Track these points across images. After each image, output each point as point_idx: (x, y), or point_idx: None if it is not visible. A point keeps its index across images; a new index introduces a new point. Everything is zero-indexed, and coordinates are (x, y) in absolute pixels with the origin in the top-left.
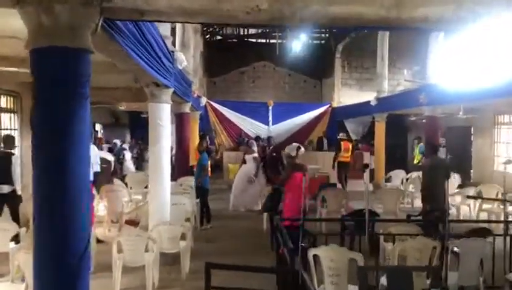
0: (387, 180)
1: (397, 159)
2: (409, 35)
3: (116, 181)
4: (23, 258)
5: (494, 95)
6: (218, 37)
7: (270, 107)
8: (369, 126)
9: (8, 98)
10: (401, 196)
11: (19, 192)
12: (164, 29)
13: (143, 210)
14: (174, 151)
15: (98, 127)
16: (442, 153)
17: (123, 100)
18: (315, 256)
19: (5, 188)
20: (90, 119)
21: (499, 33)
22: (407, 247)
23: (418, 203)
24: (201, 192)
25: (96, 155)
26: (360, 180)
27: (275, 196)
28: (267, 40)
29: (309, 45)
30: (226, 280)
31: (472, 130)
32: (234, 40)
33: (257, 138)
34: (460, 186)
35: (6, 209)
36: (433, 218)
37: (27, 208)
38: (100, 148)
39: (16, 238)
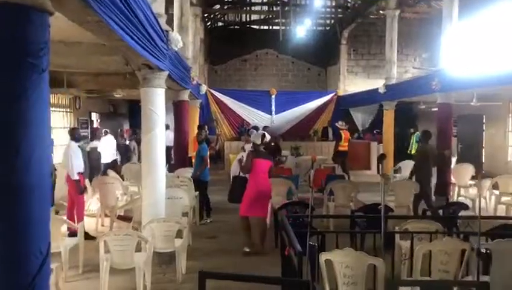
0: (396, 171)
1: (406, 148)
2: (418, 21)
3: (111, 173)
4: None
5: (511, 80)
6: (220, 24)
7: (273, 96)
8: (375, 115)
9: None
10: (414, 189)
11: None
12: (157, 6)
13: (137, 204)
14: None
15: (94, 116)
16: (441, 143)
17: (118, 87)
18: (327, 261)
19: None
20: (48, 97)
21: None
22: (433, 249)
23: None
24: (201, 184)
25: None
26: (362, 171)
27: (234, 185)
28: (270, 27)
29: (313, 32)
30: (225, 282)
31: (484, 118)
32: (236, 26)
33: (254, 128)
34: (473, 178)
35: None
36: (450, 213)
37: None
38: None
39: None
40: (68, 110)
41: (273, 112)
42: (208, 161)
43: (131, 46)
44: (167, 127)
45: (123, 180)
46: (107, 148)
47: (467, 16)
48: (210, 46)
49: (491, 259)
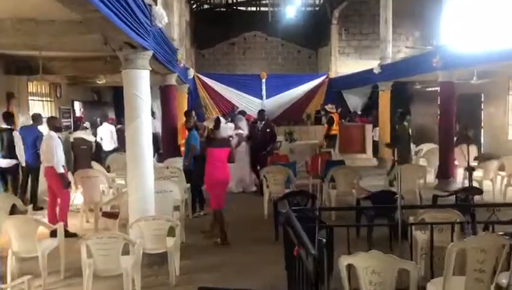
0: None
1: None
2: None
3: (95, 165)
4: None
5: None
6: (206, 6)
7: (264, 80)
8: (368, 97)
9: None
10: (421, 173)
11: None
12: None
13: (123, 199)
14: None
15: (77, 105)
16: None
17: (99, 73)
18: (349, 266)
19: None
20: None
21: None
22: (468, 247)
23: (430, 178)
24: (191, 175)
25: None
26: (356, 155)
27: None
28: (258, 8)
29: (303, 12)
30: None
31: (482, 97)
32: (222, 9)
33: (241, 113)
34: (476, 159)
35: None
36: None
37: None
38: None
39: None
40: (48, 99)
41: (264, 97)
42: (198, 148)
43: (109, 19)
44: (153, 114)
45: (109, 172)
46: (105, 136)
47: None
48: (196, 29)
49: None
